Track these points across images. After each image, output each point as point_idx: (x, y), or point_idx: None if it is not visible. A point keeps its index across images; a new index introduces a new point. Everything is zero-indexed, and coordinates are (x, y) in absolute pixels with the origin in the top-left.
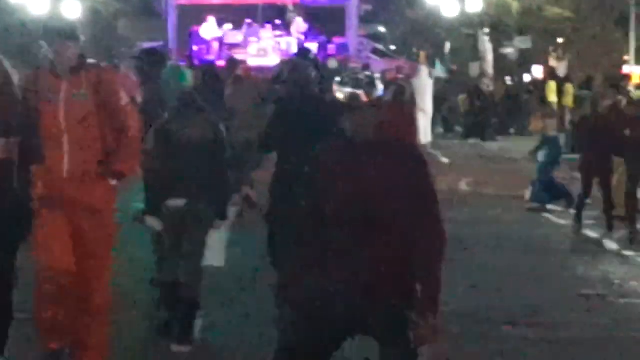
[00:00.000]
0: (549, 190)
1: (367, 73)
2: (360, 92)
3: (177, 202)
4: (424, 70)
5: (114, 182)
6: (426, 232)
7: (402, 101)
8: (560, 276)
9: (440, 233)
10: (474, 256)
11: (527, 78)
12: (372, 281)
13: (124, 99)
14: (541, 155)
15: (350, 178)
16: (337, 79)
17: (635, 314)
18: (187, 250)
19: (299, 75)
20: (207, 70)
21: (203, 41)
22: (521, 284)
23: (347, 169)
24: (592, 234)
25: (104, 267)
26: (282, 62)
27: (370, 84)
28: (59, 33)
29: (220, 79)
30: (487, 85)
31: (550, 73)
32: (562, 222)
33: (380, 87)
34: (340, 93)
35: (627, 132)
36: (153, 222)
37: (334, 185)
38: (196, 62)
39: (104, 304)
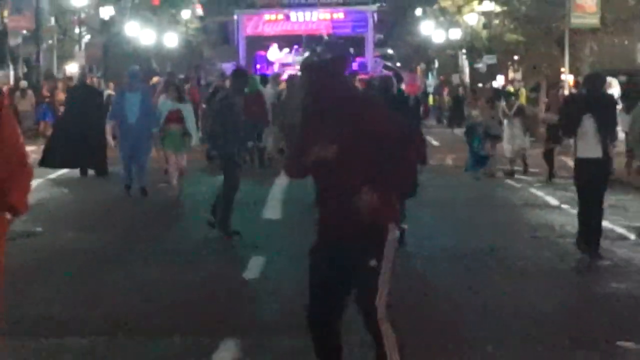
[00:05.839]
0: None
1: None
2: (315, 58)
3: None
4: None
5: (8, 216)
6: (401, 149)
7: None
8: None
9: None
10: (454, 211)
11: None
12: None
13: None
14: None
15: (319, 131)
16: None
17: (571, 250)
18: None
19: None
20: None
21: (264, 61)
22: (487, 230)
23: (316, 125)
24: (539, 192)
25: None
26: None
27: (327, 51)
28: None
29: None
30: (463, 90)
31: (510, 81)
32: (517, 185)
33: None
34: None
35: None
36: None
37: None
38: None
39: None
